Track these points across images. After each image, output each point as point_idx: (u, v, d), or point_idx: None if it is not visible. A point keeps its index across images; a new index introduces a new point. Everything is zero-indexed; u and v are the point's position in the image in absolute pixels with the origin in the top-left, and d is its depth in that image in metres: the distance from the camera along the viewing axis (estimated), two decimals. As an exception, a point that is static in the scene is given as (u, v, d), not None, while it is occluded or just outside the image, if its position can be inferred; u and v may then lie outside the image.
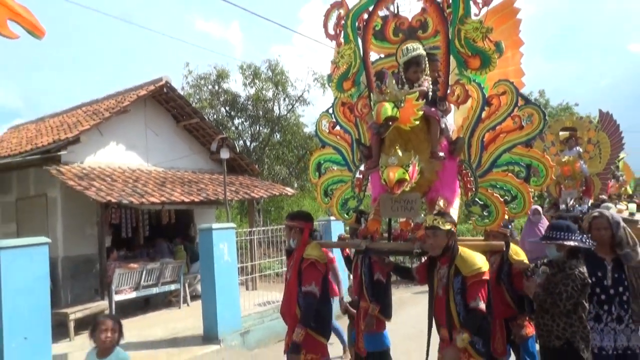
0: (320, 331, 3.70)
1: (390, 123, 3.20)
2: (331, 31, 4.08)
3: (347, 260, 5.18)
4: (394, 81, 3.25)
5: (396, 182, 3.12)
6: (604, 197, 9.16)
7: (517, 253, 4.14)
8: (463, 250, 3.25)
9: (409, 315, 8.07)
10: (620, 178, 11.50)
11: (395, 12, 3.82)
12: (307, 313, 3.55)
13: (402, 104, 3.17)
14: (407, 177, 3.16)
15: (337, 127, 4.29)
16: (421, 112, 3.25)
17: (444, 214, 3.29)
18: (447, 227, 3.21)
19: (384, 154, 3.37)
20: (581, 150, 9.20)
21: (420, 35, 3.69)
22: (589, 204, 8.64)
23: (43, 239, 5.86)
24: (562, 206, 8.78)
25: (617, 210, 5.88)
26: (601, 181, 9.19)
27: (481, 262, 3.16)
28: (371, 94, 3.71)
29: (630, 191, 12.58)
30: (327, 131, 4.35)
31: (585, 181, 8.93)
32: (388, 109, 3.12)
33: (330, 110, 4.29)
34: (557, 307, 3.33)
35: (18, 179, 10.49)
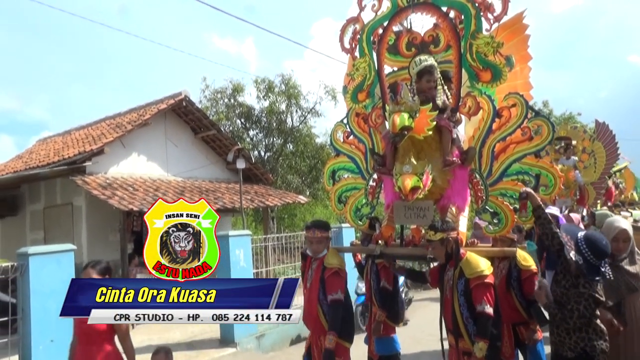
0: (345, 336, 3.69)
1: (406, 132, 3.21)
2: (347, 45, 4.14)
3: (359, 266, 5.14)
4: (408, 92, 3.26)
5: (410, 190, 3.12)
6: (600, 208, 8.93)
7: (525, 259, 4.06)
8: (470, 255, 3.22)
9: (420, 319, 7.97)
10: (620, 185, 11.27)
11: (409, 27, 3.86)
12: (336, 320, 3.54)
13: (417, 115, 3.18)
14: (420, 184, 3.15)
15: (352, 137, 4.30)
16: (434, 123, 3.26)
17: (434, 225, 3.25)
18: (439, 236, 3.20)
19: (398, 163, 3.37)
20: (576, 159, 9.03)
21: (432, 50, 3.72)
22: (583, 213, 8.49)
23: (69, 246, 5.90)
24: None
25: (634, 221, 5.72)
26: (595, 190, 8.96)
27: (484, 266, 3.13)
28: (385, 105, 3.73)
29: (636, 197, 12.31)
30: (342, 140, 4.37)
31: (580, 190, 8.70)
32: (404, 118, 3.14)
33: (345, 121, 4.31)
34: (567, 323, 3.08)
35: (46, 189, 10.62)
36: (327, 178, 4.49)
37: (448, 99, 3.59)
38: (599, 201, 9.22)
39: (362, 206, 4.24)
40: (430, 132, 3.27)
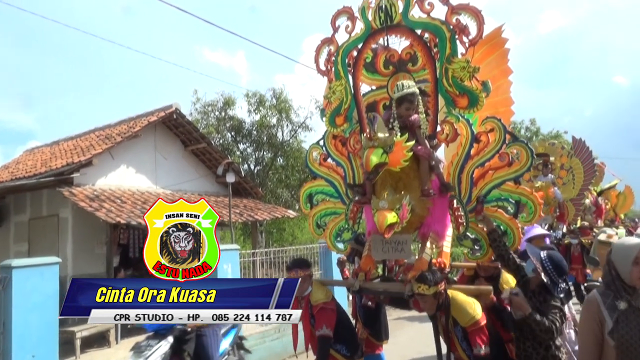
0: (353, 356, 3.76)
1: (379, 170, 3.15)
2: (322, 67, 3.97)
3: None
4: (383, 125, 3.19)
5: (387, 227, 3.06)
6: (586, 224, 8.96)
7: (508, 282, 4.09)
8: (456, 299, 3.13)
9: (407, 337, 7.99)
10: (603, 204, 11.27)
11: (386, 44, 3.72)
12: (322, 355, 3.56)
13: (392, 149, 3.10)
14: (397, 219, 3.09)
15: (329, 160, 4.12)
16: (411, 153, 3.19)
17: (425, 277, 3.10)
18: (432, 290, 3.09)
19: (375, 197, 3.29)
20: (554, 176, 8.95)
21: (410, 68, 3.63)
22: (564, 230, 8.51)
23: (54, 259, 5.85)
24: None
25: (607, 236, 5.80)
26: (575, 207, 8.92)
27: (476, 310, 3.10)
28: (362, 135, 3.58)
29: (622, 216, 12.33)
30: (319, 163, 4.17)
31: (559, 207, 8.70)
32: (374, 158, 3.07)
33: (322, 142, 4.13)
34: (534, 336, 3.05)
35: (32, 200, 10.51)
36: (304, 202, 4.29)
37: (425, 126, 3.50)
38: (579, 218, 9.22)
39: (343, 231, 4.11)
40: (407, 163, 3.19)
